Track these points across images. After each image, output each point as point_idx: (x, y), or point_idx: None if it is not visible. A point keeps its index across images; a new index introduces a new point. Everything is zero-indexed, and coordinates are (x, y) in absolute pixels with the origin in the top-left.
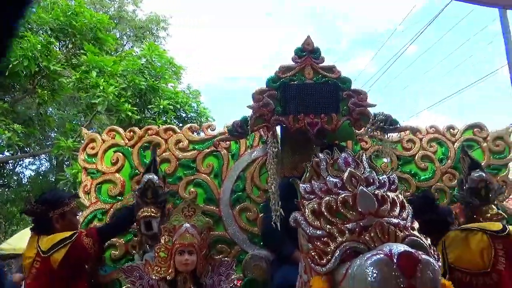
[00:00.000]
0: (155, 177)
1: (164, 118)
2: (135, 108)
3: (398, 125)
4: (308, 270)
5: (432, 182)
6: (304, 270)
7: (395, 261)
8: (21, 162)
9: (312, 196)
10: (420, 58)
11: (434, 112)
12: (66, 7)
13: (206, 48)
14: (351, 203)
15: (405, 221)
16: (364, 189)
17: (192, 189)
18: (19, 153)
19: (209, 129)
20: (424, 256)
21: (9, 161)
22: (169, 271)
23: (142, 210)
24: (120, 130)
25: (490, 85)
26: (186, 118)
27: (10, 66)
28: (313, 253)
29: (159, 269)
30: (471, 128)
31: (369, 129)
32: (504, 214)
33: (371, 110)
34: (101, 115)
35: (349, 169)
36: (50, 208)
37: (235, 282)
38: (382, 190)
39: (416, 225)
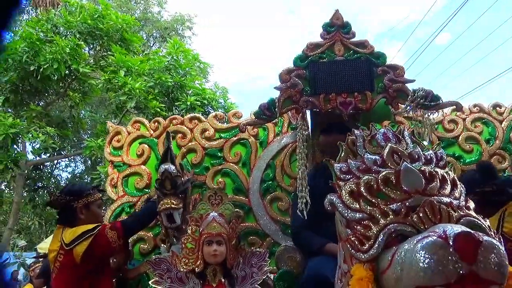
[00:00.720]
0: (172, 166)
1: (191, 115)
2: (163, 105)
3: (441, 101)
4: (348, 258)
5: None
6: (343, 260)
7: (451, 243)
8: (58, 165)
9: (349, 176)
10: (454, 46)
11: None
12: (93, 10)
13: (231, 47)
14: (394, 181)
15: (458, 201)
16: (409, 165)
17: (220, 179)
18: (54, 155)
19: (235, 117)
20: (486, 238)
21: (46, 164)
22: (198, 262)
23: (162, 202)
24: (145, 121)
25: None
26: None
27: (41, 70)
28: (352, 239)
29: (187, 260)
30: None
31: (408, 107)
32: None
33: (410, 87)
34: (130, 114)
35: (389, 144)
36: (74, 198)
37: (269, 274)
38: (429, 167)
39: (472, 204)
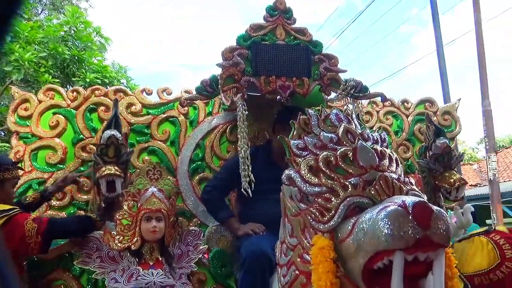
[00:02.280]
0: (118, 133)
1: (116, 87)
2: (56, 80)
3: (368, 92)
4: (299, 232)
5: None
6: (290, 234)
7: (410, 211)
8: None
9: (305, 153)
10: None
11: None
12: None
13: (130, 27)
14: (351, 157)
15: (402, 177)
16: (364, 143)
17: (146, 157)
18: None
19: (165, 93)
20: (436, 208)
21: None
22: (134, 240)
23: (104, 168)
24: (61, 89)
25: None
26: None
27: None
28: (313, 211)
29: (121, 238)
30: (423, 102)
31: (340, 95)
32: (465, 180)
33: (342, 76)
34: (15, 86)
35: (343, 124)
36: None
37: (203, 254)
38: (378, 146)
39: (413, 180)
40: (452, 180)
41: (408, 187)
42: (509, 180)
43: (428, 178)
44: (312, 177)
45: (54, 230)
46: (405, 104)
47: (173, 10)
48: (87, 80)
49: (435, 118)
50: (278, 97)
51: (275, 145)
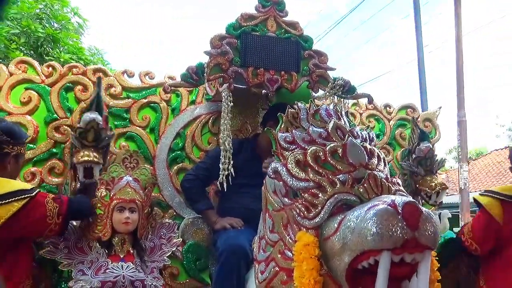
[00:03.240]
0: (99, 117)
1: (96, 66)
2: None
3: (356, 93)
4: (280, 227)
5: None
6: (271, 229)
7: (400, 211)
8: None
9: (293, 146)
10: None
11: None
12: None
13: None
14: (340, 153)
15: (390, 176)
16: (354, 140)
17: (123, 143)
18: None
19: (147, 77)
20: (425, 209)
21: None
22: (105, 230)
23: (82, 154)
24: (35, 63)
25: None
26: None
27: None
28: (299, 206)
29: (94, 227)
30: (405, 108)
31: (327, 93)
32: (446, 185)
33: (330, 74)
34: None
35: (333, 120)
36: (10, 141)
37: (178, 247)
38: (367, 144)
39: (399, 180)
40: (433, 184)
41: (396, 187)
42: (475, 191)
43: (409, 180)
44: (300, 172)
45: (74, 210)
46: (388, 108)
47: (173, 10)
48: (61, 60)
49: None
50: (263, 91)
51: (261, 140)
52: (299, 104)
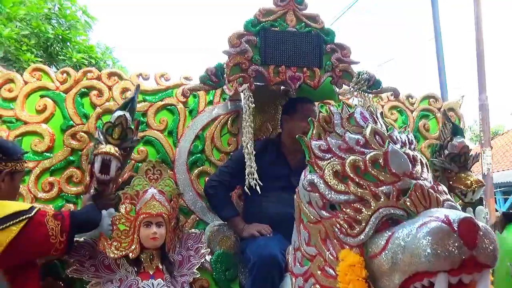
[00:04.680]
0: (129, 116)
1: (111, 70)
2: (39, 59)
3: (382, 87)
4: (319, 241)
5: None
6: (307, 242)
7: (455, 229)
8: None
9: (329, 155)
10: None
11: None
12: None
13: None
14: (382, 163)
15: (435, 185)
16: (395, 147)
17: (142, 148)
18: None
19: (162, 79)
20: (481, 223)
21: None
22: (132, 247)
23: (102, 146)
24: (49, 70)
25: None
26: None
27: None
28: (341, 222)
29: (118, 245)
30: (427, 98)
31: (352, 89)
32: (483, 182)
33: (354, 68)
34: None
35: (370, 125)
36: (3, 158)
37: (206, 257)
38: (408, 149)
39: (444, 188)
40: (469, 182)
41: (443, 197)
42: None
43: (442, 178)
44: (339, 184)
45: (77, 225)
46: (410, 99)
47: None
48: (74, 60)
49: (439, 114)
50: (282, 87)
51: (285, 140)
52: (331, 107)
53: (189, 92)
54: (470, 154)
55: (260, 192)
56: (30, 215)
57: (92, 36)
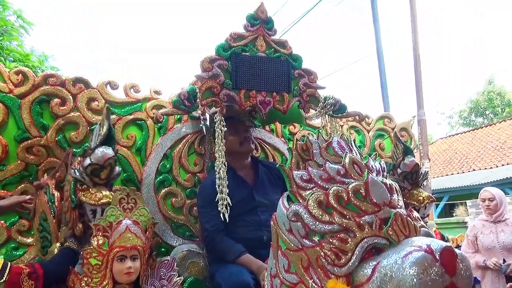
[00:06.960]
0: (113, 151)
1: (76, 76)
2: None
3: (347, 111)
4: (301, 269)
5: None
6: (286, 269)
7: (437, 258)
8: None
9: (311, 185)
10: None
11: None
12: None
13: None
14: (363, 193)
15: (409, 211)
16: (374, 177)
17: None
18: None
19: (132, 90)
20: (458, 251)
21: None
22: (104, 283)
23: (100, 194)
24: (2, 68)
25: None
26: None
27: None
28: (327, 252)
29: (89, 280)
30: (382, 118)
31: (318, 113)
32: (433, 197)
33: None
34: None
35: (348, 155)
36: None
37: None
38: (382, 177)
39: (416, 213)
40: (421, 198)
41: (418, 224)
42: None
43: None
44: (323, 214)
45: (51, 279)
46: (366, 119)
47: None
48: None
49: (392, 134)
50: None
51: (229, 160)
52: (310, 137)
53: (162, 117)
54: (420, 172)
55: (229, 219)
56: (3, 278)
57: (27, 42)
